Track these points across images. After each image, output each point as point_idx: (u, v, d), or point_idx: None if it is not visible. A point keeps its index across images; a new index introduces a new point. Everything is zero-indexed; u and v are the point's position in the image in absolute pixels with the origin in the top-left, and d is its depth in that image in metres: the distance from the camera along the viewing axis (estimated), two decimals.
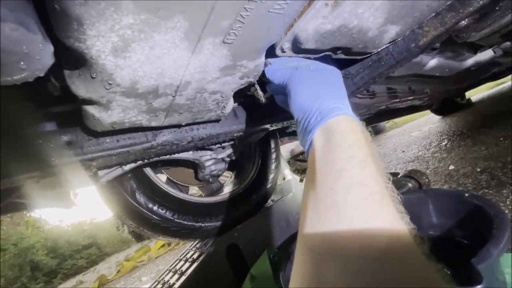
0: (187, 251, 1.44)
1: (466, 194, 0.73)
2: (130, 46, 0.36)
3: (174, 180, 1.32)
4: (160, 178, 1.22)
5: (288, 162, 4.00)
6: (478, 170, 1.34)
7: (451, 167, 1.55)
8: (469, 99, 3.99)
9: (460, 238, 0.77)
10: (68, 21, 0.30)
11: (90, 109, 0.50)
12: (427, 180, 1.34)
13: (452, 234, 0.78)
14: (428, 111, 3.78)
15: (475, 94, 4.55)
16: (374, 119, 2.24)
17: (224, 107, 0.71)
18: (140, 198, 1.11)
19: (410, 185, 1.35)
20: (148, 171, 1.17)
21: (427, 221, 0.82)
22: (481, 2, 0.65)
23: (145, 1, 0.30)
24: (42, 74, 0.40)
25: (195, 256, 1.31)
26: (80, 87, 0.43)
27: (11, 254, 6.26)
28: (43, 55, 0.37)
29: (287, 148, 3.78)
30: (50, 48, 0.37)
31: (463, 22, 0.72)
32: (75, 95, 0.46)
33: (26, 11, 0.35)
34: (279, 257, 1.05)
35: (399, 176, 1.45)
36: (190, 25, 0.37)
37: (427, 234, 0.80)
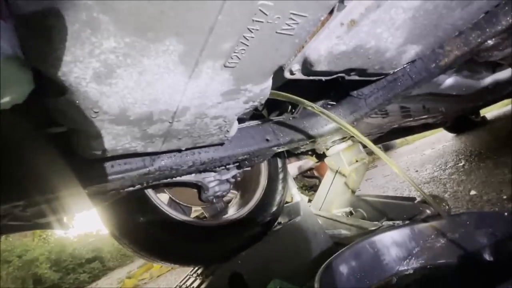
0: (188, 277, 1.35)
1: None
2: (115, 72, 0.31)
3: (177, 201, 1.26)
4: (161, 199, 1.16)
5: (295, 178, 3.90)
6: (504, 197, 1.23)
7: (473, 192, 1.44)
8: (483, 117, 3.84)
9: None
10: (40, 46, 0.26)
11: (79, 137, 0.45)
12: (447, 207, 1.23)
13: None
14: (440, 128, 3.65)
15: (490, 111, 4.40)
16: (386, 137, 2.16)
17: (228, 131, 0.66)
18: (139, 219, 1.05)
19: (428, 211, 1.25)
20: (149, 191, 1.12)
21: (476, 244, 0.73)
22: (511, 20, 0.59)
23: (129, 23, 0.26)
24: (20, 101, 0.35)
25: (195, 284, 1.22)
26: (63, 115, 0.38)
27: (15, 266, 6.20)
28: (20, 81, 0.33)
29: (294, 164, 3.69)
30: (28, 74, 0.33)
31: (489, 42, 0.66)
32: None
33: (4, 36, 0.31)
34: None
35: (415, 202, 1.35)
36: (185, 48, 0.32)
37: (476, 259, 0.72)
